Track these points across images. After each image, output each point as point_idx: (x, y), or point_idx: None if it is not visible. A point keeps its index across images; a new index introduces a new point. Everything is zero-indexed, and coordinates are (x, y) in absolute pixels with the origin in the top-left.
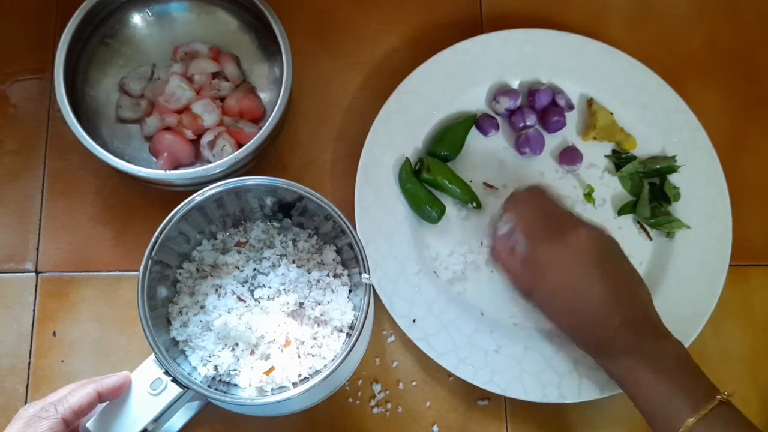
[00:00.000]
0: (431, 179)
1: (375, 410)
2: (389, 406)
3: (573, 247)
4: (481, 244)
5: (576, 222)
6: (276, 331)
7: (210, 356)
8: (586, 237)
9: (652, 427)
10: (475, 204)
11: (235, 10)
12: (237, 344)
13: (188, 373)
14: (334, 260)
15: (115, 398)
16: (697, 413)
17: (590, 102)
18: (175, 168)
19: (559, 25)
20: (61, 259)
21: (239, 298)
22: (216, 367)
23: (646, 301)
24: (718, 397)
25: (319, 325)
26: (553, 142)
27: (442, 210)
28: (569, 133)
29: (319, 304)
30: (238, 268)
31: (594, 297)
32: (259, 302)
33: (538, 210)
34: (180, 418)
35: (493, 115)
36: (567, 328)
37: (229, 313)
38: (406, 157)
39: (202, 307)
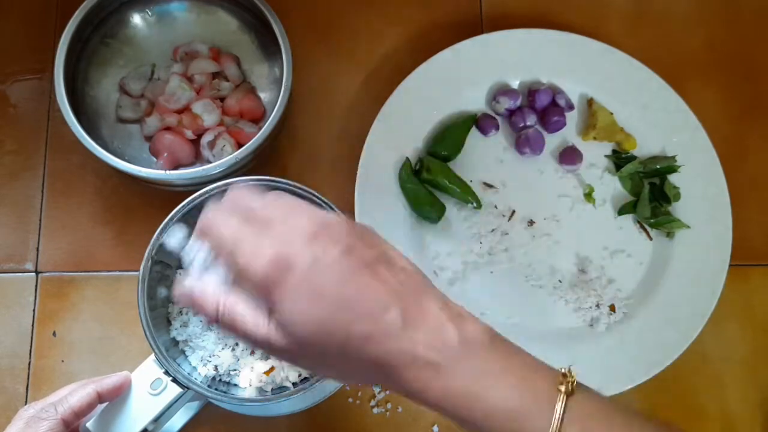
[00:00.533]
0: (431, 179)
1: (375, 410)
2: (389, 406)
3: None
4: (481, 243)
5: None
6: None
7: (210, 356)
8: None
9: None
10: (475, 203)
11: (235, 10)
12: (237, 344)
13: (188, 373)
14: None
15: (115, 398)
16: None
17: (590, 102)
18: (175, 168)
19: (559, 25)
20: (61, 259)
21: None
22: (216, 367)
23: (414, 321)
24: (561, 388)
25: None
26: (553, 142)
27: (442, 210)
28: (569, 133)
29: None
30: None
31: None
32: None
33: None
34: (180, 418)
35: (493, 115)
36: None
37: None
38: (406, 157)
39: None
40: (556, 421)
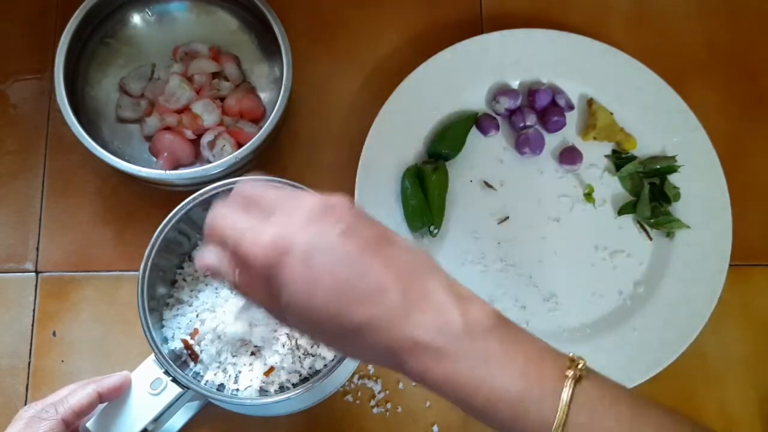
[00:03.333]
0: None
1: (375, 410)
2: (389, 406)
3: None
4: (480, 243)
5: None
6: (276, 331)
7: (210, 356)
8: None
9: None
10: (434, 229)
11: (235, 10)
12: (237, 344)
13: (188, 373)
14: None
15: (115, 398)
16: (558, 411)
17: (590, 102)
18: (175, 168)
19: (559, 25)
20: (61, 259)
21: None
22: (216, 368)
23: (409, 299)
24: (569, 373)
25: None
26: (553, 142)
27: (438, 227)
28: (569, 133)
29: None
30: None
31: (340, 311)
32: None
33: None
34: (180, 418)
35: (494, 115)
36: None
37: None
38: (407, 167)
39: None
40: (562, 407)
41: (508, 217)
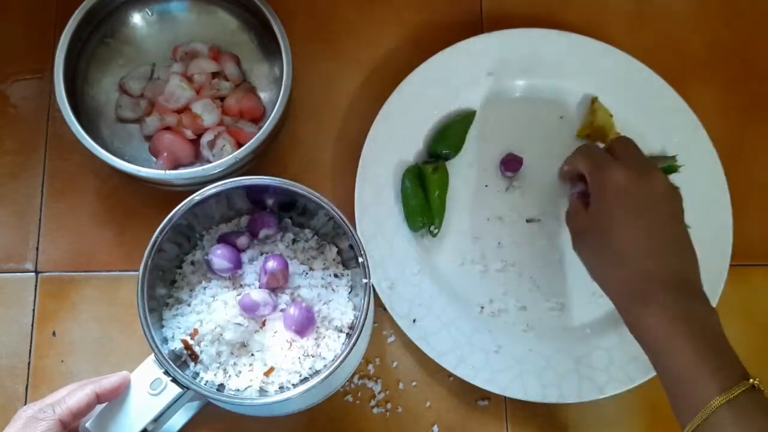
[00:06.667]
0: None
1: (375, 410)
2: (389, 406)
3: (646, 186)
4: (480, 242)
5: (657, 169)
6: (276, 331)
7: (210, 356)
8: (662, 184)
9: (671, 398)
10: (435, 228)
11: (235, 10)
12: (237, 344)
13: (187, 374)
14: (334, 260)
15: (113, 399)
16: (725, 393)
17: (594, 100)
18: (175, 168)
19: (559, 25)
20: (61, 259)
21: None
22: (216, 368)
23: (695, 267)
24: (751, 381)
25: (319, 325)
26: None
27: (438, 226)
28: (565, 130)
29: (320, 304)
30: None
31: (644, 236)
32: None
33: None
34: (180, 418)
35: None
36: (605, 268)
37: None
38: (407, 167)
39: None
40: (726, 397)
41: (539, 219)
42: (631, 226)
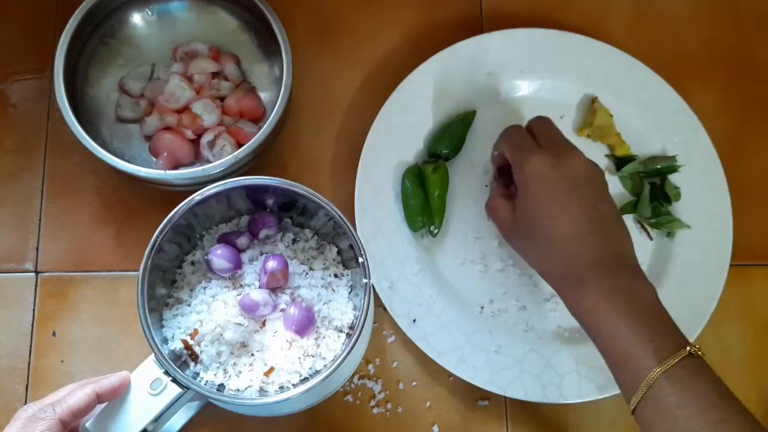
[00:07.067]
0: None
1: (375, 410)
2: (389, 406)
3: (566, 169)
4: (480, 242)
5: (575, 149)
6: (276, 331)
7: (210, 356)
8: (582, 164)
9: (613, 372)
10: (435, 228)
11: (235, 10)
12: (237, 344)
13: (187, 373)
14: (334, 260)
15: (113, 399)
16: (662, 363)
17: (594, 100)
18: (175, 168)
19: (559, 24)
20: (61, 259)
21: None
22: (216, 368)
23: (626, 241)
24: (688, 348)
25: (319, 325)
26: None
27: (438, 226)
28: (565, 130)
29: (320, 304)
30: None
31: (573, 220)
32: None
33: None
34: (180, 418)
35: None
36: (539, 255)
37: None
38: (407, 167)
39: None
40: (663, 368)
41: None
42: (559, 212)
